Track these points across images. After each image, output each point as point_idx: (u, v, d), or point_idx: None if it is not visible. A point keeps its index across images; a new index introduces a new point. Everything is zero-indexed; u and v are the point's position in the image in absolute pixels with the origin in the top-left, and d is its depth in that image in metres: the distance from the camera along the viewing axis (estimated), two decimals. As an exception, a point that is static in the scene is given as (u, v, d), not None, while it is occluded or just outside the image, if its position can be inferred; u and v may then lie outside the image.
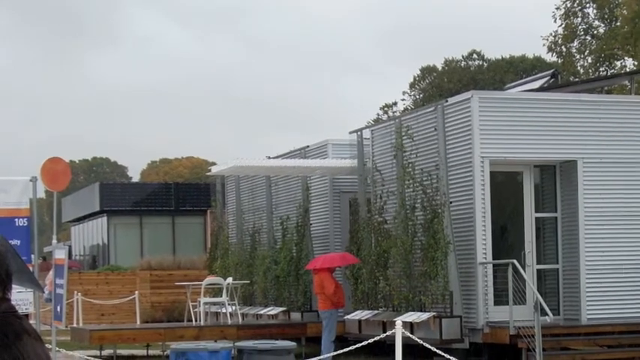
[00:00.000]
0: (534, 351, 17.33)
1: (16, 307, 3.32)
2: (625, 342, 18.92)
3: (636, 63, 43.92)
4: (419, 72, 67.48)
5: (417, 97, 65.95)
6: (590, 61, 48.23)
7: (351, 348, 17.60)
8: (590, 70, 47.57)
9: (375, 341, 17.46)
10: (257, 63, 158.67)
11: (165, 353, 22.08)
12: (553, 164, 20.44)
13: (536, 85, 25.41)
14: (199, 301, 23.92)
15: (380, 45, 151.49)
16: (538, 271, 20.27)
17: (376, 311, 21.13)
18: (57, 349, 16.67)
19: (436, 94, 57.95)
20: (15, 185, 15.14)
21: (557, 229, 20.43)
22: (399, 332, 15.02)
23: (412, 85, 67.49)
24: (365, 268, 21.62)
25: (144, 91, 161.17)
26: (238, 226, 28.46)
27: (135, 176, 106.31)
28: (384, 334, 17.89)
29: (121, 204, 44.95)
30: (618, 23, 46.31)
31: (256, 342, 15.50)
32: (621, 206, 20.33)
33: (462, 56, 67.07)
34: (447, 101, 20.63)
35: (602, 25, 48.37)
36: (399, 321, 15.60)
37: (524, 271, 18.90)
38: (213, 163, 45.18)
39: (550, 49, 49.16)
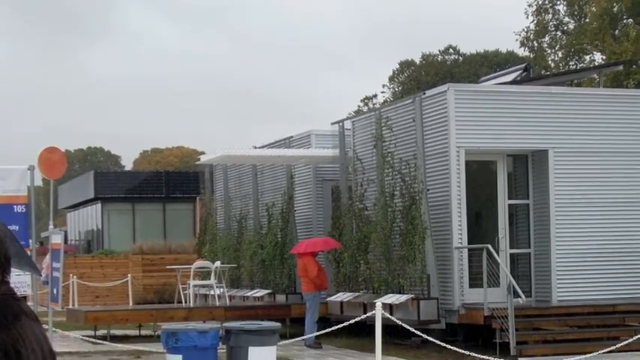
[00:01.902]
0: (507, 331, 17.58)
1: (15, 290, 3.36)
2: (593, 322, 19.07)
3: (604, 57, 43.86)
4: (398, 66, 67.35)
5: (396, 89, 65.60)
6: (560, 55, 48.39)
7: (333, 328, 17.82)
8: (561, 64, 47.66)
9: (356, 322, 17.51)
10: (246, 58, 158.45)
11: (156, 333, 22.29)
12: (525, 153, 20.56)
13: (510, 78, 25.17)
14: (189, 284, 24.11)
15: (361, 40, 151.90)
16: (511, 255, 20.47)
17: (357, 293, 21.29)
18: (53, 329, 16.78)
19: (414, 87, 57.64)
20: (13, 173, 15.15)
21: (529, 215, 20.56)
22: (378, 313, 15.19)
23: (391, 79, 67.25)
24: (346, 253, 21.81)
25: (137, 83, 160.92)
26: (226, 212, 28.63)
27: (128, 165, 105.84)
28: (365, 315, 17.97)
29: (115, 191, 45.19)
30: (587, 19, 46.38)
31: (243, 322, 15.49)
32: (590, 193, 20.50)
33: (439, 51, 67.00)
34: (424, 94, 20.75)
35: (572, 21, 48.50)
36: (378, 303, 15.70)
37: (498, 255, 19.09)
38: (203, 153, 45.36)
39: (522, 44, 49.39)
